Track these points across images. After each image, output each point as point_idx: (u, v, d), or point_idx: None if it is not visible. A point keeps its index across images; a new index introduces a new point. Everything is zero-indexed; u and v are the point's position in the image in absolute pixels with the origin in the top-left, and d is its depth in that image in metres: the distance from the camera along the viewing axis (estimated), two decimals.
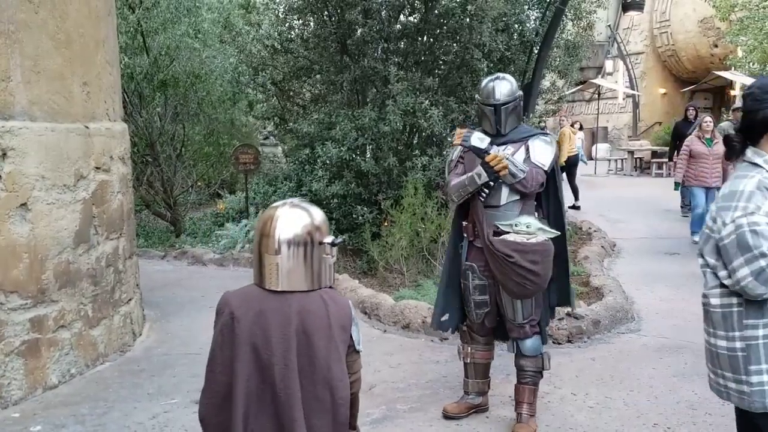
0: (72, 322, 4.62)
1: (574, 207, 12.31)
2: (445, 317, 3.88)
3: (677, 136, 11.50)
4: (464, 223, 3.81)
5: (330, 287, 2.29)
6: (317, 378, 2.13)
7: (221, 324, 2.21)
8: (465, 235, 3.80)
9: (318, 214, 2.27)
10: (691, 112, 11.79)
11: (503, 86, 3.68)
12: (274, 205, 2.29)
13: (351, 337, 2.23)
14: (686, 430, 3.78)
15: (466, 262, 3.77)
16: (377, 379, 4.52)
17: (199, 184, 11.89)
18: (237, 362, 2.15)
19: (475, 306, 3.77)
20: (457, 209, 3.91)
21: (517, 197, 3.65)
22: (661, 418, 3.92)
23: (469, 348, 3.92)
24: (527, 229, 3.49)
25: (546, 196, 3.83)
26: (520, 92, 3.75)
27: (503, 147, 3.65)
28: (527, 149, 3.66)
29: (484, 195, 3.64)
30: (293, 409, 2.10)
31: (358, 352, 2.30)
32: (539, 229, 3.53)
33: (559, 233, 3.63)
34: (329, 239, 2.26)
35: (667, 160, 19.19)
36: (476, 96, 3.81)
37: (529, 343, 3.74)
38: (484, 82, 3.77)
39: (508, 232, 3.54)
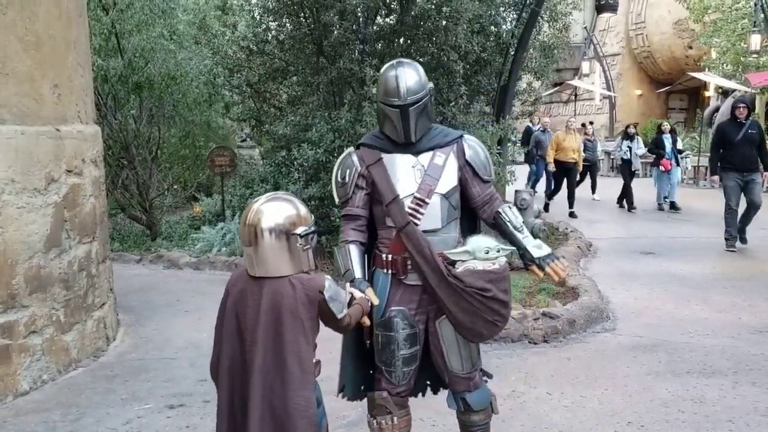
0: (43, 327, 4.56)
1: (572, 215, 11.64)
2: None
3: (724, 142, 8.85)
4: (385, 256, 2.86)
5: (306, 271, 2.45)
6: (286, 350, 2.34)
7: (223, 296, 2.54)
8: (386, 271, 2.87)
9: (290, 208, 2.43)
10: (742, 111, 8.86)
11: (409, 77, 2.78)
12: (255, 199, 2.49)
13: (331, 309, 2.40)
14: (659, 428, 3.80)
15: (392, 308, 2.85)
16: None
17: (175, 187, 11.77)
18: (224, 330, 2.47)
19: (403, 363, 2.87)
20: (353, 232, 2.91)
21: (457, 215, 2.93)
22: (635, 417, 3.95)
23: (392, 420, 2.96)
24: (488, 254, 2.74)
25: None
26: (431, 84, 2.88)
27: (431, 153, 2.86)
28: (462, 159, 2.91)
29: (419, 218, 2.79)
30: (252, 377, 2.35)
31: (343, 318, 2.45)
32: (501, 249, 2.80)
33: (515, 248, 2.96)
34: (300, 230, 2.41)
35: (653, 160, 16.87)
36: (374, 90, 3.03)
37: (478, 396, 2.98)
38: (383, 71, 2.85)
39: (458, 261, 2.76)
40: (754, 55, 17.51)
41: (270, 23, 9.14)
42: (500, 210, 2.92)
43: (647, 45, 26.36)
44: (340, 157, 3.00)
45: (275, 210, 2.41)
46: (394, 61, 2.87)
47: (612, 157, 13.38)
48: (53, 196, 4.65)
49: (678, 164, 12.88)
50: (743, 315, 5.95)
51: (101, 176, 5.60)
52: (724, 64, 20.06)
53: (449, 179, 2.86)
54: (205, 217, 10.49)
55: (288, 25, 8.83)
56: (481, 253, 2.74)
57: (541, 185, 13.56)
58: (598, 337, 5.47)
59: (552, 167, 12.05)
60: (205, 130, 12.53)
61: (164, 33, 10.10)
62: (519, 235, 2.90)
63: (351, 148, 2.99)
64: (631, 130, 13.29)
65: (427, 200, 2.80)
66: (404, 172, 2.84)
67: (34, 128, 4.50)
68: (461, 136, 2.98)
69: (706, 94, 24.46)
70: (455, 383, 2.94)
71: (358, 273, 2.81)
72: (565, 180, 12.28)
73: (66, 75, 4.91)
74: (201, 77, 10.79)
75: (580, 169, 12.55)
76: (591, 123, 17.36)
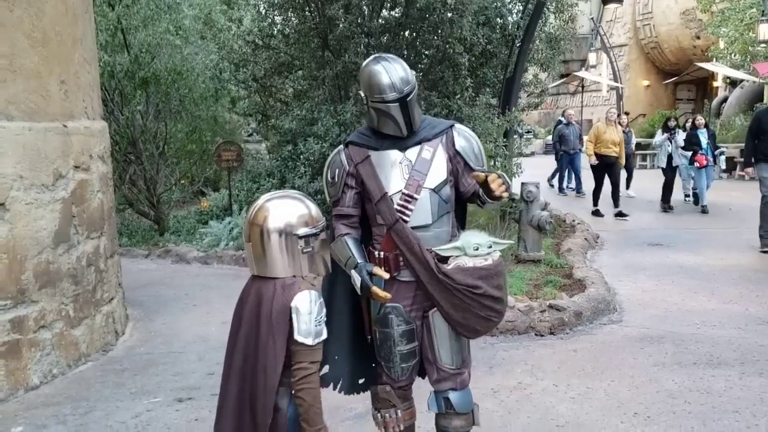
0: (53, 322, 4.60)
1: (622, 215, 10.99)
2: (325, 369, 2.92)
3: (760, 132, 8.11)
4: (377, 253, 2.83)
5: (302, 277, 2.33)
6: (258, 355, 2.27)
7: None
8: (381, 268, 2.79)
9: (296, 207, 2.34)
10: None
11: (398, 69, 2.71)
12: (265, 194, 2.42)
13: (297, 324, 2.23)
14: (666, 419, 3.81)
15: (387, 305, 2.79)
16: None
17: (183, 181, 11.82)
18: (230, 328, 2.42)
19: (401, 359, 2.84)
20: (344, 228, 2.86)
21: (449, 209, 2.86)
22: (641, 408, 3.96)
23: (396, 413, 2.93)
24: (477, 251, 2.70)
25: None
26: (413, 71, 2.84)
27: (418, 148, 2.80)
28: (453, 150, 2.85)
29: (409, 214, 2.75)
30: (228, 381, 2.33)
31: (301, 343, 2.25)
32: (494, 243, 2.76)
33: (512, 242, 2.95)
34: (302, 231, 2.30)
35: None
36: (360, 92, 2.82)
37: (464, 396, 2.90)
38: (365, 69, 2.76)
39: (449, 257, 2.74)
40: (763, 45, 17.40)
41: (275, 17, 9.15)
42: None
43: (654, 35, 26.23)
44: (330, 156, 2.95)
45: (277, 208, 2.32)
46: (373, 57, 2.79)
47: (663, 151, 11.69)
48: (61, 191, 4.68)
49: (715, 162, 11.60)
50: (751, 306, 5.94)
51: (109, 172, 5.63)
52: (732, 54, 19.94)
53: (438, 173, 2.80)
54: (212, 212, 10.54)
55: (293, 19, 8.84)
56: (471, 249, 2.70)
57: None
58: (604, 329, 5.47)
59: (594, 160, 11.08)
60: (212, 125, 12.55)
61: (170, 28, 10.12)
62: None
63: (340, 147, 2.92)
64: (672, 123, 12.20)
65: (415, 196, 2.74)
66: (392, 169, 2.79)
67: (41, 124, 4.53)
68: (452, 126, 2.90)
69: (714, 84, 24.38)
70: (442, 379, 2.86)
71: (359, 258, 2.76)
72: (606, 176, 11.31)
73: (72, 71, 4.94)
74: (207, 72, 10.81)
75: (623, 164, 11.63)
76: (627, 113, 15.96)
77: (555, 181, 14.89)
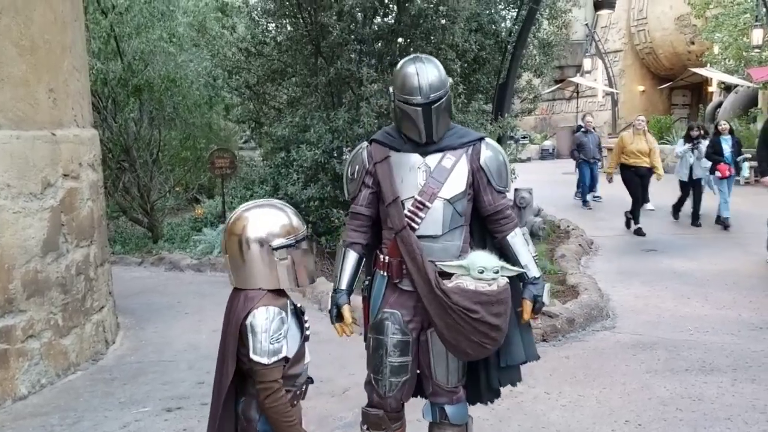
0: (41, 331, 4.57)
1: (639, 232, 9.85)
2: None
3: None
4: (383, 257, 2.76)
5: (271, 290, 2.24)
6: (220, 368, 2.26)
7: None
8: (383, 273, 2.76)
9: (269, 217, 2.26)
10: None
11: (430, 73, 2.62)
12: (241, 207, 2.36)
13: (251, 343, 2.16)
14: (657, 426, 3.79)
15: (385, 310, 2.73)
16: (351, 382, 4.48)
17: (177, 189, 11.80)
18: None
19: (391, 372, 2.72)
20: (356, 232, 2.85)
21: (462, 223, 2.74)
22: (632, 415, 3.94)
23: None
24: (482, 275, 2.55)
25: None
26: (450, 79, 2.74)
27: (440, 155, 2.69)
28: (477, 163, 2.73)
29: (419, 222, 2.65)
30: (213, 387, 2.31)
31: (257, 362, 2.15)
32: (501, 269, 2.62)
33: (522, 270, 2.74)
34: (276, 242, 2.22)
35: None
36: (390, 88, 2.73)
37: (459, 408, 2.83)
38: (400, 67, 2.68)
39: (452, 274, 2.62)
40: (756, 50, 17.44)
41: (268, 25, 9.14)
42: (510, 241, 2.77)
43: (649, 41, 26.27)
44: (354, 151, 2.88)
45: (257, 217, 2.25)
46: (411, 56, 2.71)
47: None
48: (50, 200, 4.66)
49: (738, 171, 10.30)
50: (744, 312, 5.93)
51: (99, 180, 5.60)
52: (726, 60, 19.98)
53: (456, 184, 2.69)
54: (206, 219, 10.52)
55: (287, 26, 8.83)
56: (475, 271, 2.56)
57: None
58: (597, 336, 5.46)
59: (609, 174, 10.38)
60: (206, 132, 12.56)
61: (164, 35, 10.13)
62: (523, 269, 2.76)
63: (364, 143, 2.85)
64: (695, 132, 10.56)
65: (428, 204, 2.64)
66: (409, 173, 2.69)
67: (29, 133, 4.51)
68: (481, 139, 2.78)
69: (709, 89, 24.41)
70: (437, 394, 2.79)
71: (343, 284, 2.78)
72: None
73: (61, 79, 4.92)
74: (200, 79, 10.83)
75: (662, 175, 10.12)
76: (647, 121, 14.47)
77: (589, 196, 13.19)
